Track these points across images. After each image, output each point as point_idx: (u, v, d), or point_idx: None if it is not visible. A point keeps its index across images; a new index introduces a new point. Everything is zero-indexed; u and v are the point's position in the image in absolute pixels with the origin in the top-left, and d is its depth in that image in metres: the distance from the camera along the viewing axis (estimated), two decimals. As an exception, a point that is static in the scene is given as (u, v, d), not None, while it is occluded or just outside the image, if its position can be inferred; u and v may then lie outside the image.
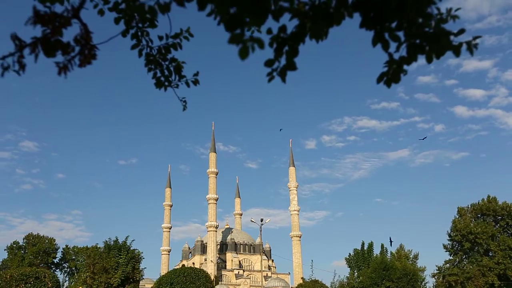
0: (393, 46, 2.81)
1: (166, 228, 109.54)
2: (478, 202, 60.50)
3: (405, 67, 2.92)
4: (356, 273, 51.05)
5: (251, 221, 59.69)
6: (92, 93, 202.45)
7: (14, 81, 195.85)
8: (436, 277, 57.88)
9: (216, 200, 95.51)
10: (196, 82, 3.80)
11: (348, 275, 51.85)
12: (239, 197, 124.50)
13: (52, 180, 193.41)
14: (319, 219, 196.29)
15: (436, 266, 59.81)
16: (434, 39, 2.60)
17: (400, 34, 2.68)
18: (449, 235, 59.40)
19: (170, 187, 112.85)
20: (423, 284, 51.47)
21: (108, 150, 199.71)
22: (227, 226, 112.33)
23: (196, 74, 3.79)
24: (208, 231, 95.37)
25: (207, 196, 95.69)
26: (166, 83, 3.81)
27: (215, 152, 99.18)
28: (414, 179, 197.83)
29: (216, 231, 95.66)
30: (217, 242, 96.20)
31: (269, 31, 2.58)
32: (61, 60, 2.57)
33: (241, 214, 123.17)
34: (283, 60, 2.69)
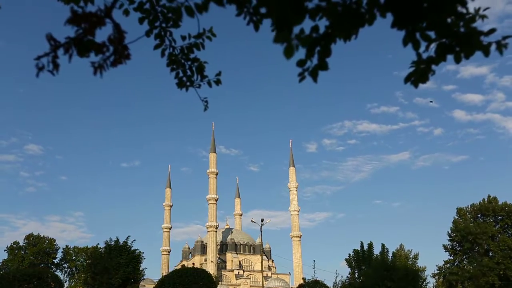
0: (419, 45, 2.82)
1: (166, 228, 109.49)
2: (479, 203, 60.58)
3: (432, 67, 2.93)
4: (357, 273, 51.07)
5: (252, 221, 59.71)
6: (96, 96, 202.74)
7: (21, 86, 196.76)
8: (436, 277, 57.93)
9: (216, 200, 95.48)
10: (218, 82, 3.81)
11: (349, 276, 51.88)
12: (239, 197, 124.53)
13: (55, 182, 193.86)
14: (320, 220, 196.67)
15: (437, 266, 59.91)
16: (466, 39, 2.61)
17: (431, 34, 2.68)
18: (449, 235, 59.46)
19: (170, 187, 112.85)
20: (424, 284, 51.51)
21: (112, 152, 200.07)
22: (227, 227, 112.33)
23: (219, 74, 3.80)
24: (208, 232, 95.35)
25: (207, 197, 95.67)
26: (188, 83, 3.82)
27: (215, 153, 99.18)
28: (414, 181, 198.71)
29: (216, 232, 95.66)
30: (217, 242, 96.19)
31: (301, 31, 2.59)
32: (90, 60, 2.58)
33: (241, 215, 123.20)
34: (314, 60, 2.70)
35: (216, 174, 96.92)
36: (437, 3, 2.52)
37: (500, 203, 58.61)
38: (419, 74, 2.89)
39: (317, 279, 44.99)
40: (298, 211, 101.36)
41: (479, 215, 59.45)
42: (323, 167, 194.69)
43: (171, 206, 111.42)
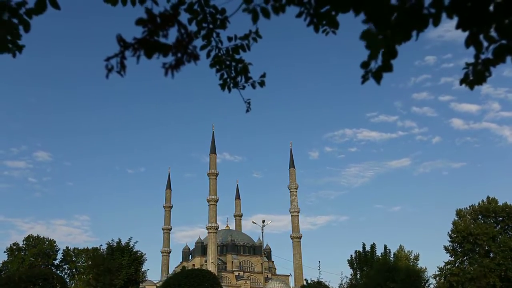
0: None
1: (166, 229, 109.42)
2: (478, 204, 60.63)
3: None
4: (359, 275, 51.08)
5: (253, 222, 59.74)
6: (102, 99, 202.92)
7: (32, 95, 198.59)
8: (437, 278, 57.97)
9: (216, 201, 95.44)
10: (262, 83, 3.81)
11: (351, 277, 51.89)
12: (239, 199, 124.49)
13: (62, 187, 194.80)
14: (323, 223, 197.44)
15: (437, 267, 59.93)
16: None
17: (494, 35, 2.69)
18: (450, 237, 59.51)
19: (170, 189, 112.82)
20: (426, 285, 51.53)
21: (118, 158, 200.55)
22: (227, 228, 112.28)
23: (263, 75, 3.80)
24: (208, 233, 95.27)
25: (207, 198, 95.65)
26: (232, 85, 3.82)
27: (215, 154, 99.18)
28: (414, 186, 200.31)
29: (217, 233, 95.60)
30: (217, 243, 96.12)
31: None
32: (160, 60, 2.58)
33: (241, 216, 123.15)
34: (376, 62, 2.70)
35: (216, 175, 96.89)
36: (502, 6, 2.53)
37: (500, 204, 58.67)
38: (477, 75, 2.90)
39: (321, 280, 44.97)
40: (298, 212, 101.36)
41: (479, 216, 59.50)
42: (326, 173, 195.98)
43: (171, 207, 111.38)
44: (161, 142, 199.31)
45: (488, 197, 59.82)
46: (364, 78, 2.73)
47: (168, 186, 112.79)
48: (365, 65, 2.67)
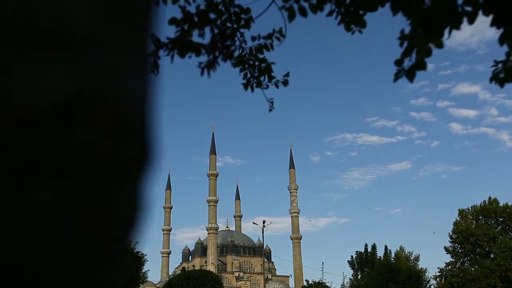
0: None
1: (166, 230, 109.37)
2: (480, 204, 60.63)
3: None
4: (360, 275, 51.05)
5: (253, 223, 59.72)
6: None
7: None
8: (438, 279, 57.98)
9: (216, 202, 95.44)
10: (285, 83, 3.79)
11: (352, 277, 51.86)
12: (239, 199, 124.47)
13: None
14: (324, 225, 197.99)
15: (438, 268, 59.96)
16: None
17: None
18: (451, 237, 59.51)
19: (170, 190, 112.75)
20: (427, 286, 51.50)
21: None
22: (227, 229, 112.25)
23: (287, 75, 3.78)
24: (208, 234, 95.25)
25: (207, 199, 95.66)
26: (255, 84, 3.80)
27: (215, 155, 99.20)
28: (414, 189, 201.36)
29: (217, 234, 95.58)
30: (217, 244, 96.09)
31: (402, 32, 2.58)
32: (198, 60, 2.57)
33: (241, 216, 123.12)
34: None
35: (216, 176, 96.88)
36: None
37: (501, 204, 58.69)
38: (509, 73, 2.90)
39: (323, 281, 44.92)
40: (298, 213, 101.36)
41: (480, 217, 59.52)
42: (327, 176, 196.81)
43: (171, 208, 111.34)
44: (167, 143, 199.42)
45: (489, 198, 59.86)
46: (397, 76, 2.72)
47: (168, 187, 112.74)
48: (398, 62, 2.66)
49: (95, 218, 0.22)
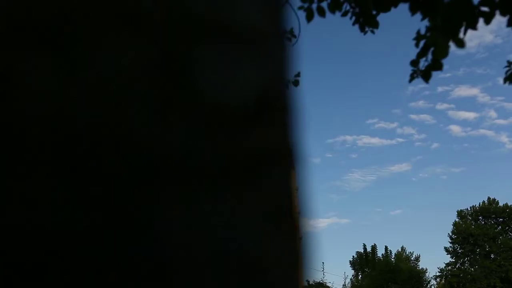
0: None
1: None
2: (479, 204, 60.69)
3: None
4: (361, 276, 51.11)
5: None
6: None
7: None
8: (438, 279, 58.01)
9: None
10: (296, 83, 3.78)
11: (352, 278, 51.90)
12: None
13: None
14: (324, 226, 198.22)
15: (438, 268, 60.00)
16: None
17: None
18: (451, 238, 59.55)
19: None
20: (428, 286, 51.61)
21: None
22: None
23: (298, 75, 3.77)
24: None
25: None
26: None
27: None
28: (414, 190, 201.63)
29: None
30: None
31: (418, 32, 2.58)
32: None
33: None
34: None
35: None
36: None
37: (500, 205, 58.73)
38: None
39: (323, 281, 44.96)
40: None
41: (480, 217, 59.54)
42: (328, 178, 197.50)
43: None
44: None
45: (489, 198, 59.82)
46: (412, 77, 2.72)
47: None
48: (414, 63, 2.66)
49: (293, 213, 0.22)
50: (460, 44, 2.38)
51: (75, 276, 0.16)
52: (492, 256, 55.44)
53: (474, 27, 2.61)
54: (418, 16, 2.66)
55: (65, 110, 0.16)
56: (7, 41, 0.17)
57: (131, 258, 0.17)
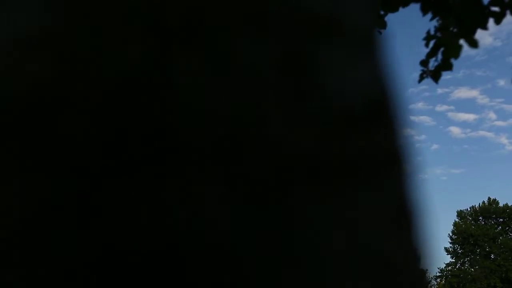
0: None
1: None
2: (479, 205, 60.65)
3: None
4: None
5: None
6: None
7: None
8: (438, 279, 58.01)
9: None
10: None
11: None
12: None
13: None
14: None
15: (438, 268, 60.00)
16: None
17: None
18: (451, 238, 59.53)
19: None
20: (428, 286, 51.64)
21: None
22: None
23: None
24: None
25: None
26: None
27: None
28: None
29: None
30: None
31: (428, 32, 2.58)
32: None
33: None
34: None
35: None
36: None
37: (501, 205, 58.71)
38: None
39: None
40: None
41: (480, 218, 59.51)
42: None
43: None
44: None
45: (489, 198, 59.77)
46: (422, 77, 2.71)
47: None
48: (424, 63, 2.65)
49: (411, 214, 0.22)
50: (473, 44, 2.38)
51: None
52: (492, 256, 55.44)
53: (484, 27, 2.61)
54: (418, 16, 2.67)
55: (218, 111, 0.16)
56: (152, 41, 0.17)
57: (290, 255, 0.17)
